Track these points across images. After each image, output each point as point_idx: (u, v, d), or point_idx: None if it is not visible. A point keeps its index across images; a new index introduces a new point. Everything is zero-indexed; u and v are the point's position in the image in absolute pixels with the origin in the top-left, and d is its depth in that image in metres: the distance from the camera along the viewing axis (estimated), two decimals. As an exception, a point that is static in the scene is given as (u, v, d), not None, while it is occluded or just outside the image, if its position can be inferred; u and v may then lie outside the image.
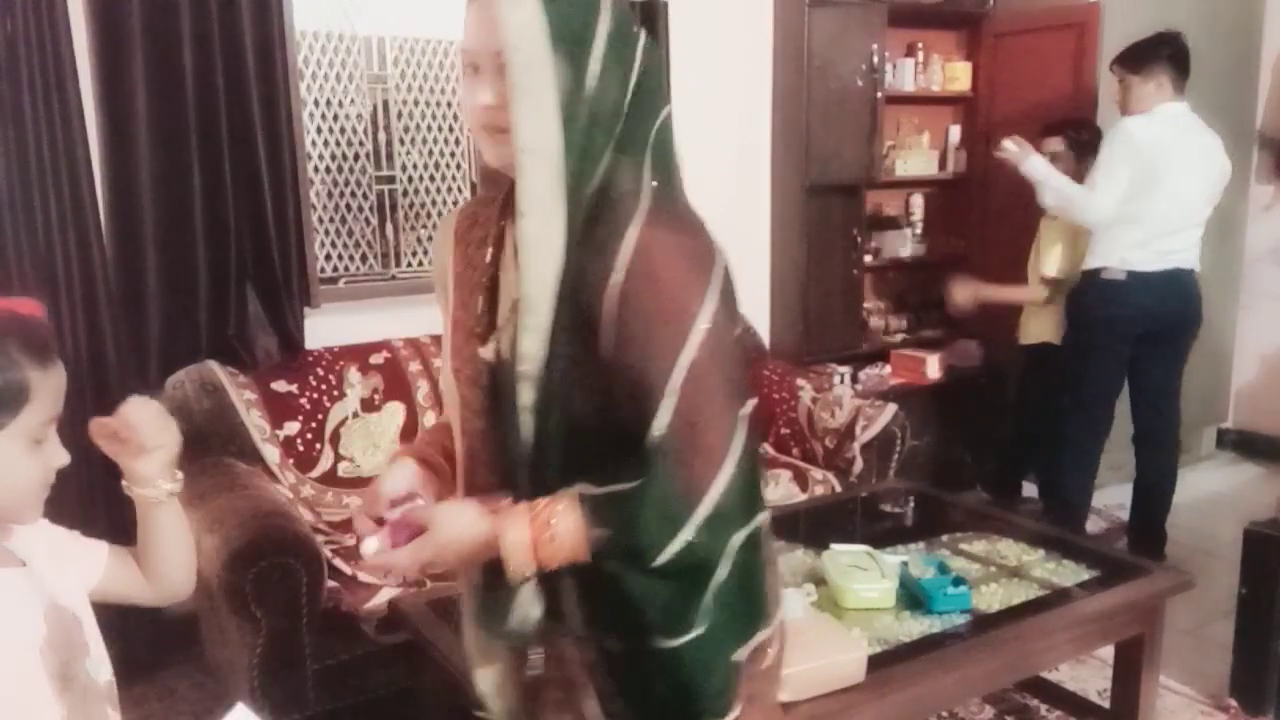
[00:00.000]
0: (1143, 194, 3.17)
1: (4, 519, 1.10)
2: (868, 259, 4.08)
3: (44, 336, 1.08)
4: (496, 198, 1.22)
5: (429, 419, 2.99)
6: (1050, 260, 3.53)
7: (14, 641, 1.05)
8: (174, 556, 1.22)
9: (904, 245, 4.28)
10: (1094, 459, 3.43)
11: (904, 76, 4.11)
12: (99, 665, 1.15)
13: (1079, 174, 3.36)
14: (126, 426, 1.09)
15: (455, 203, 6.13)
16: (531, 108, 1.03)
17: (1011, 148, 3.41)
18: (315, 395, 2.84)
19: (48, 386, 1.06)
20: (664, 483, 1.02)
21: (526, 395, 1.08)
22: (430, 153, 6.04)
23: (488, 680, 1.22)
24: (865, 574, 2.07)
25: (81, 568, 1.18)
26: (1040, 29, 4.05)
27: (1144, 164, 3.15)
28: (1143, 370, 3.35)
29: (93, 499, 2.45)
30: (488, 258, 1.19)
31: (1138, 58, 3.28)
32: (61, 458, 1.09)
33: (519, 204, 1.05)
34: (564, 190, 1.04)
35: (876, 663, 1.80)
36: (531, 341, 1.06)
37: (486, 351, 1.16)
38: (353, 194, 6.00)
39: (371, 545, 1.11)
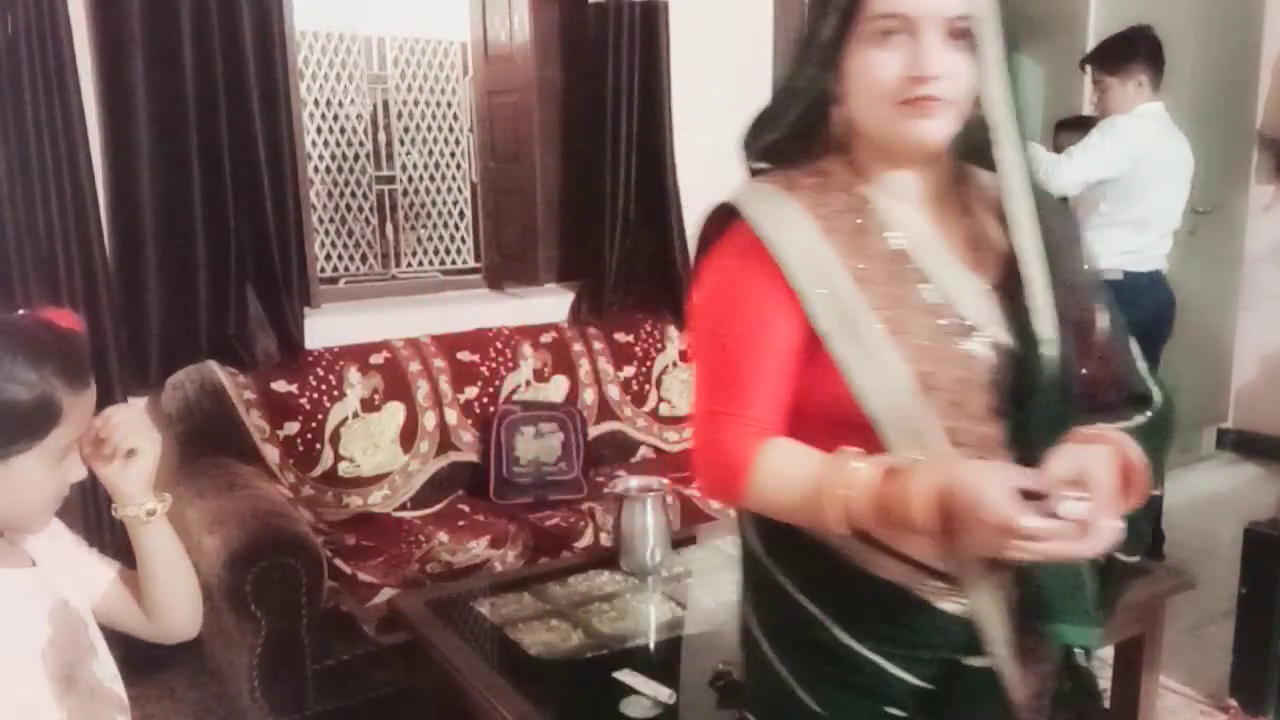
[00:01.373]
0: (1137, 199, 3.14)
1: (15, 529, 1.09)
2: (868, 259, 4.08)
3: (81, 356, 1.07)
4: (824, 182, 1.09)
5: (429, 419, 3.00)
6: None
7: (15, 641, 1.05)
8: (167, 588, 1.18)
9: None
10: None
11: (904, 76, 4.11)
12: (105, 667, 1.15)
13: None
14: (106, 425, 1.08)
15: (455, 203, 6.15)
16: (1002, 79, 1.00)
17: None
18: (315, 395, 2.84)
19: (79, 408, 1.05)
20: (1163, 416, 1.10)
21: (1047, 377, 1.03)
22: (430, 153, 6.06)
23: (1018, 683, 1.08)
24: (865, 574, 2.07)
25: (85, 581, 1.17)
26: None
27: (1138, 167, 3.12)
28: None
29: (100, 521, 2.44)
30: (895, 245, 1.05)
31: (1114, 58, 3.22)
32: (79, 472, 1.08)
33: (1008, 184, 1.02)
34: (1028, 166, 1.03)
35: (876, 663, 1.80)
36: (1045, 324, 1.02)
37: (981, 346, 1.04)
38: (353, 194, 6.02)
39: (1080, 507, 0.92)
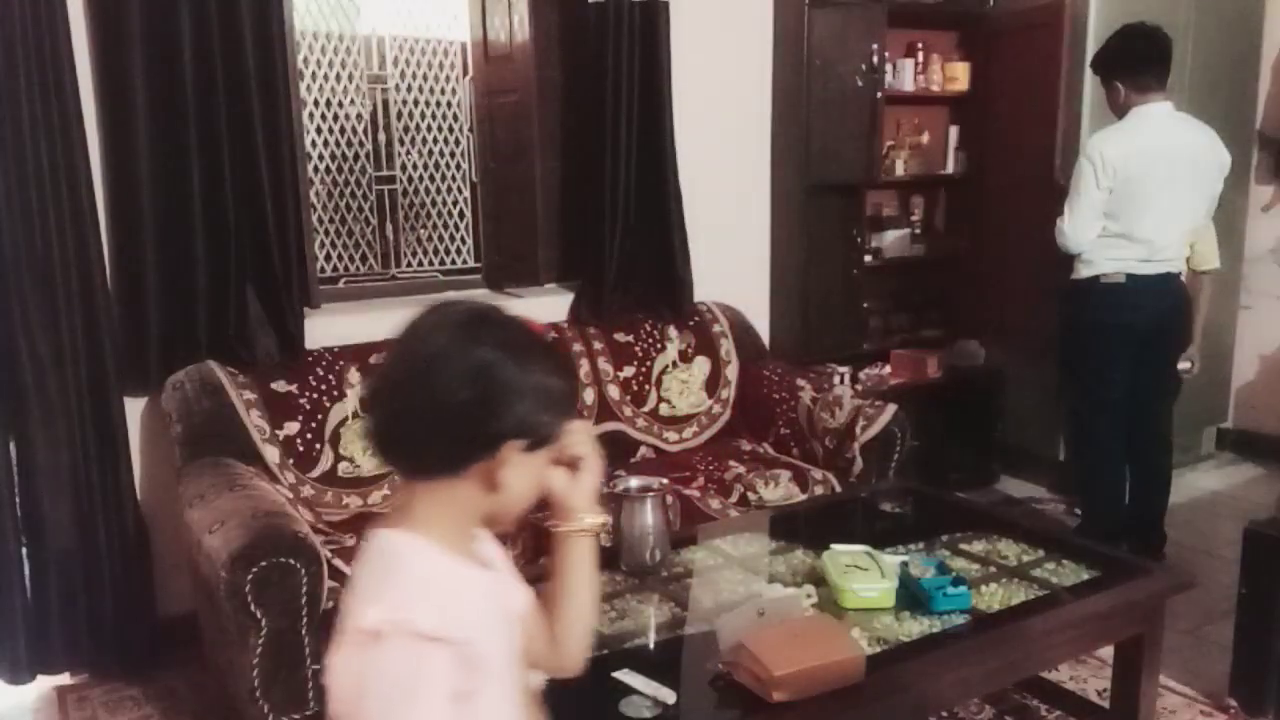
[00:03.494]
0: (1127, 210, 3.08)
1: (495, 523, 1.14)
2: (868, 259, 4.08)
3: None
4: None
5: (429, 419, 2.99)
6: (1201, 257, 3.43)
7: (506, 643, 1.09)
8: (583, 609, 1.24)
9: (904, 245, 4.28)
10: (1123, 460, 3.32)
11: (904, 76, 4.11)
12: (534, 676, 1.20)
13: None
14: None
15: (455, 203, 6.15)
16: None
17: None
18: (315, 395, 2.84)
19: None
20: None
21: None
22: (430, 153, 6.06)
23: None
24: (865, 574, 2.07)
25: (516, 595, 1.21)
26: (1033, 27, 4.04)
27: (1120, 181, 3.06)
28: (1136, 374, 3.28)
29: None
30: None
31: (1101, 63, 3.18)
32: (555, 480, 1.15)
33: None
34: None
35: (876, 663, 1.80)
36: None
37: None
38: (353, 194, 6.02)
39: None
